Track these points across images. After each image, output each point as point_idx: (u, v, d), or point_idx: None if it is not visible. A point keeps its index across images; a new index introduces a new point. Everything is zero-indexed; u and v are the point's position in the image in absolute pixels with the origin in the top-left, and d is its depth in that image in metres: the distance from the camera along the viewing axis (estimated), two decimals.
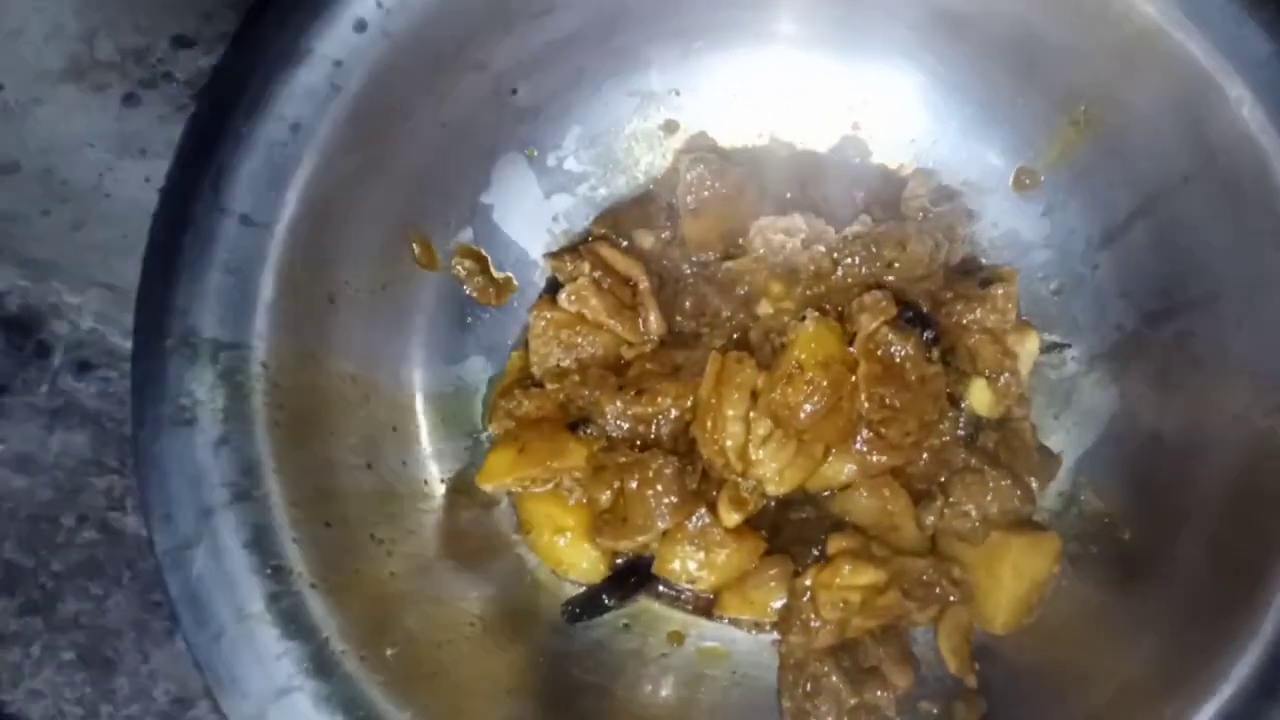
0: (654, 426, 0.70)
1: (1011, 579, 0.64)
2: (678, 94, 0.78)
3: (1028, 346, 0.68)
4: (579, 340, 0.72)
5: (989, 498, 0.65)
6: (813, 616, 0.63)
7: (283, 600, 0.56)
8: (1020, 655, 0.65)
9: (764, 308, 0.72)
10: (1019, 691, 0.64)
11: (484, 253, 0.76)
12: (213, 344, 0.59)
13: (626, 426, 0.69)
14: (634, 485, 0.66)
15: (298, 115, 0.63)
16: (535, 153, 0.77)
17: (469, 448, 0.73)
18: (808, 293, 0.69)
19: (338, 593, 0.58)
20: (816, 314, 0.66)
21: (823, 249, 0.69)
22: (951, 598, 0.65)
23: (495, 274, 0.77)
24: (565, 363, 0.72)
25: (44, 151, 0.88)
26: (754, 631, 0.70)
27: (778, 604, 0.66)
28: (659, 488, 0.66)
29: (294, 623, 0.55)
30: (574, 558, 0.70)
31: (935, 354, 0.65)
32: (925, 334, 0.65)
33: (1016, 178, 0.74)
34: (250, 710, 0.54)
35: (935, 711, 0.65)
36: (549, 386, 0.71)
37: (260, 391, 0.60)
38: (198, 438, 0.57)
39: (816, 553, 0.68)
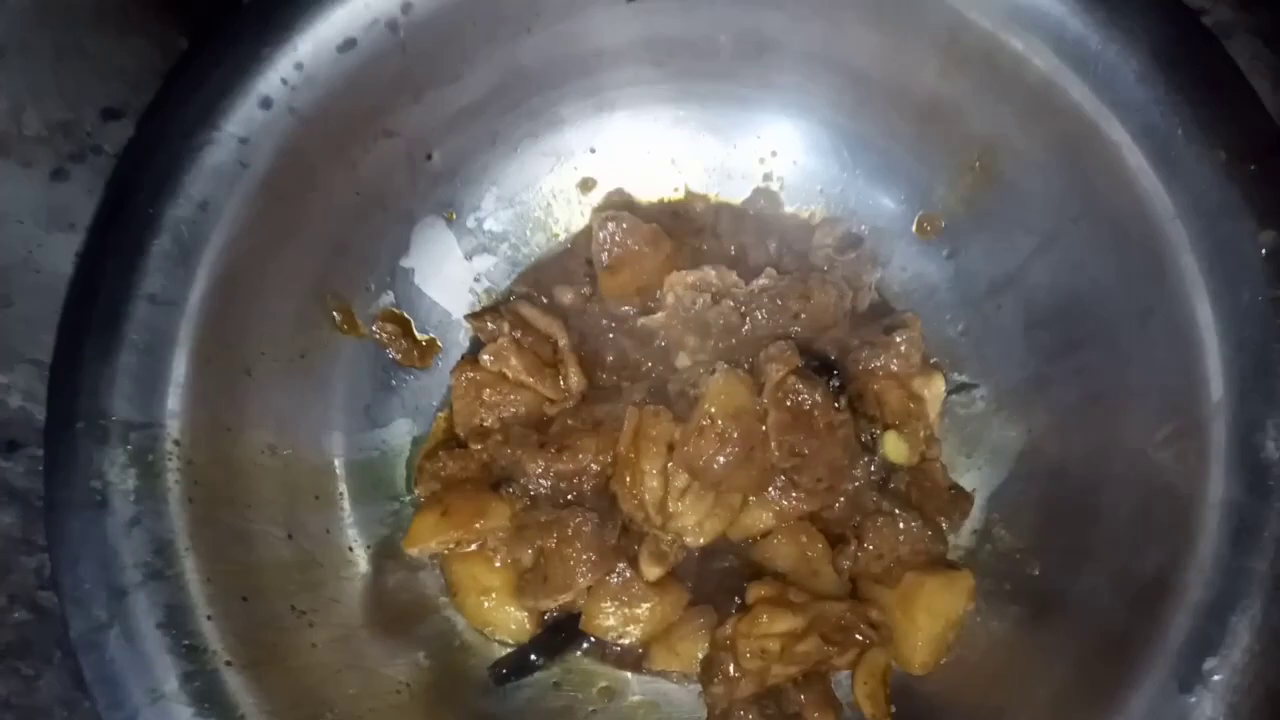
0: (577, 482, 0.70)
1: (926, 619, 0.65)
2: (593, 151, 0.80)
3: (934, 389, 0.70)
4: (500, 399, 0.73)
5: (901, 539, 0.66)
6: (733, 667, 0.64)
7: (196, 679, 0.56)
8: (939, 692, 0.66)
9: (682, 360, 0.73)
10: None
11: (406, 315, 0.77)
12: (123, 425, 0.60)
13: (549, 484, 0.70)
14: (554, 544, 0.67)
15: (205, 194, 0.64)
16: (454, 215, 0.78)
17: (394, 512, 0.74)
18: (720, 345, 0.71)
19: (256, 667, 0.58)
20: (726, 366, 0.67)
21: (731, 304, 0.70)
22: (869, 641, 0.65)
23: (418, 336, 0.78)
24: (488, 422, 0.73)
25: None
26: (683, 683, 0.70)
27: (701, 652, 0.67)
28: (578, 545, 0.67)
29: (208, 701, 0.56)
30: (501, 618, 0.70)
31: (843, 401, 0.67)
32: (832, 382, 0.67)
33: (919, 224, 0.76)
34: None
35: None
36: (473, 446, 0.72)
37: (173, 469, 0.60)
38: (109, 519, 0.58)
39: (739, 600, 0.68)
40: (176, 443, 0.61)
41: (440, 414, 0.77)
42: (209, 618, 0.58)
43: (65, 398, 0.60)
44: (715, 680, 0.65)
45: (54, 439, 0.59)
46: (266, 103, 0.65)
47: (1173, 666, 0.54)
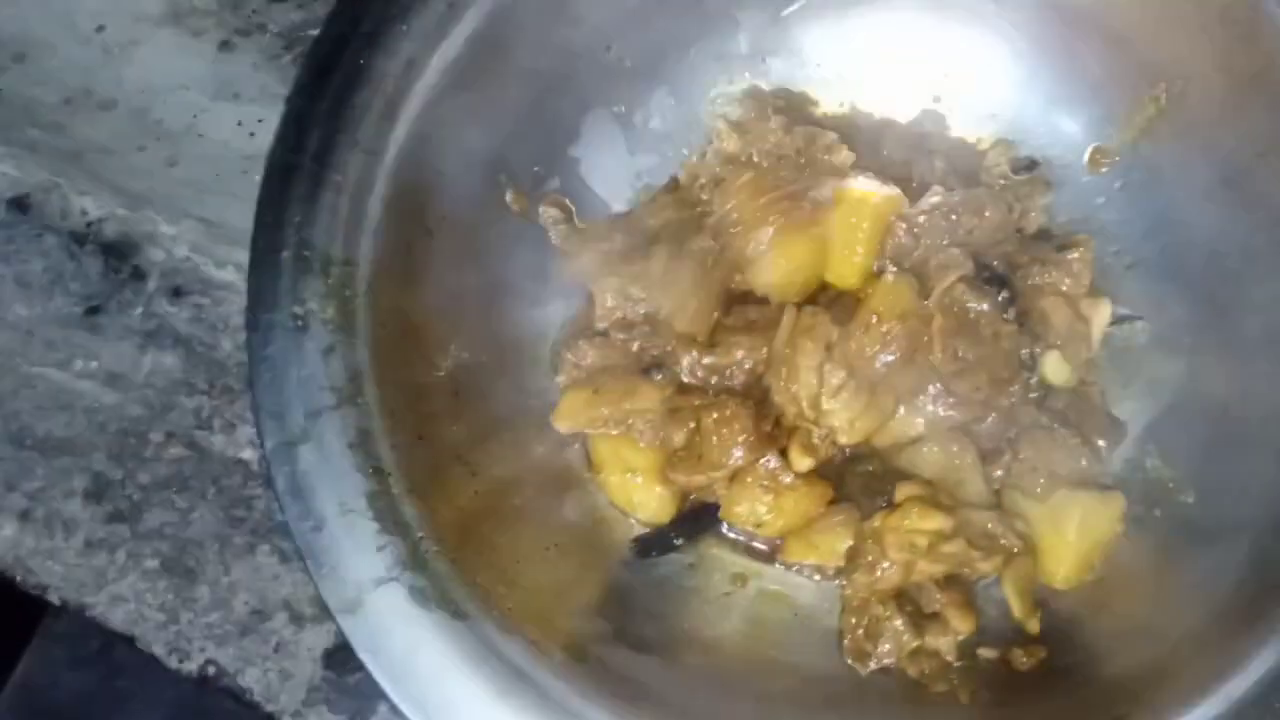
0: (727, 375, 0.72)
1: (1075, 535, 0.66)
2: (764, 60, 0.80)
3: (1100, 314, 0.70)
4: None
5: (1056, 455, 0.67)
6: (880, 556, 0.65)
7: (381, 499, 0.58)
8: (1080, 607, 0.67)
9: None
10: (1078, 641, 0.66)
11: (569, 203, 0.79)
12: (325, 258, 0.62)
13: (700, 375, 0.72)
14: (711, 422, 0.68)
15: (412, 51, 0.66)
16: (623, 109, 0.80)
17: (548, 387, 0.75)
18: (890, 256, 0.71)
19: (428, 499, 0.60)
20: (894, 269, 0.68)
21: (904, 224, 0.71)
22: (1014, 549, 0.66)
23: (579, 224, 0.79)
24: (633, 314, 0.74)
25: (141, 91, 0.91)
26: (817, 578, 0.71)
27: (843, 547, 0.68)
28: (735, 425, 0.68)
29: (392, 520, 0.58)
30: (643, 497, 0.72)
31: (1010, 313, 0.67)
32: (1001, 294, 0.67)
33: (1092, 156, 0.76)
34: (349, 596, 0.56)
35: (993, 657, 0.66)
36: (617, 336, 0.73)
37: (365, 307, 0.63)
38: (308, 343, 0.60)
39: (883, 503, 0.69)
40: (370, 284, 0.63)
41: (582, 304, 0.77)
42: (393, 447, 0.60)
43: (273, 228, 0.62)
44: (860, 568, 0.66)
45: (259, 265, 0.62)
46: None
47: None
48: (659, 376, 0.72)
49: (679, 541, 0.72)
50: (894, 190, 0.69)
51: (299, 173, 0.63)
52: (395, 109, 0.65)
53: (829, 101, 0.81)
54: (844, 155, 0.72)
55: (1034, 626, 0.66)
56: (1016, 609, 0.66)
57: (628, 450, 0.71)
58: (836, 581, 0.70)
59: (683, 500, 0.71)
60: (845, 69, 0.80)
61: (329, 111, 0.64)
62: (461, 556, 0.59)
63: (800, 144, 0.72)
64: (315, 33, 0.68)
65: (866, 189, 0.69)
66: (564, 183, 0.79)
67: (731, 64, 0.80)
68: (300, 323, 0.60)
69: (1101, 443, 0.69)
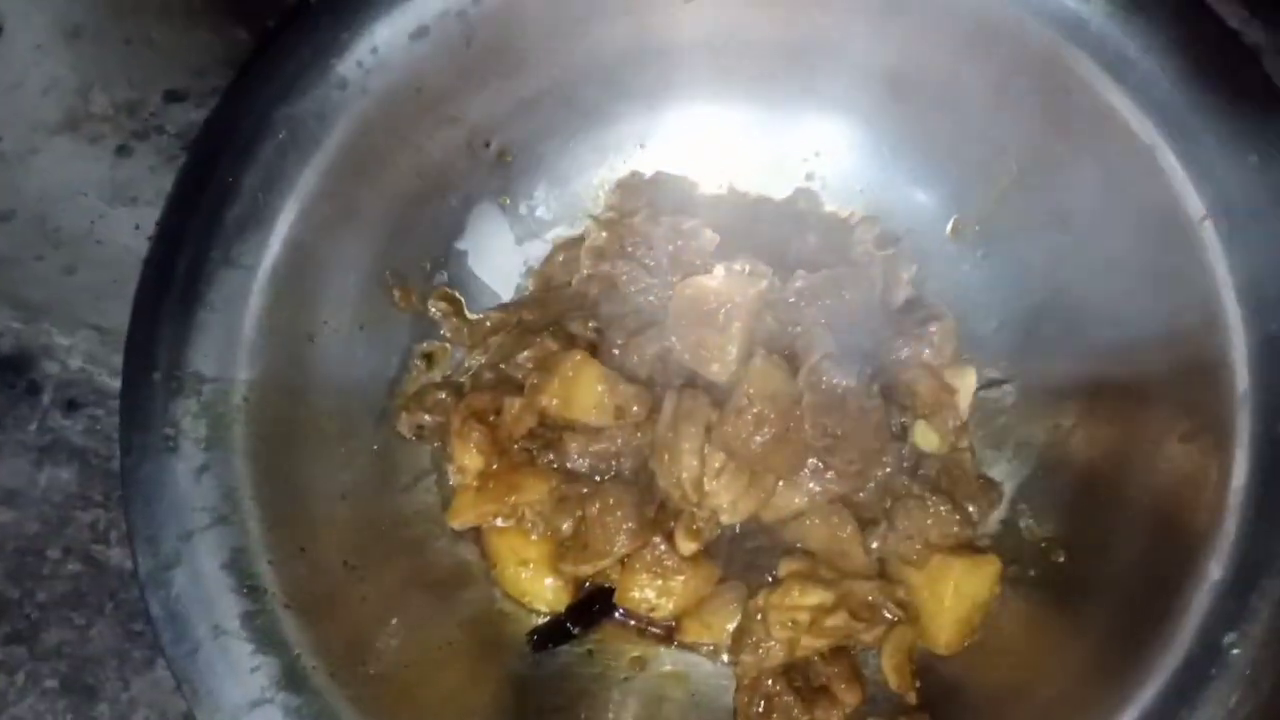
0: (615, 462, 0.73)
1: (953, 599, 0.68)
2: (641, 146, 0.83)
3: (966, 382, 0.72)
4: None
5: (930, 522, 0.68)
6: (764, 636, 0.66)
7: (257, 618, 0.59)
8: (962, 671, 0.68)
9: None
10: (961, 706, 0.67)
11: (459, 296, 0.80)
12: (197, 378, 0.63)
13: (587, 463, 0.73)
14: (595, 511, 0.69)
15: (282, 165, 0.67)
16: (508, 201, 0.82)
17: (442, 481, 0.76)
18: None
19: (310, 613, 0.61)
20: (764, 352, 0.70)
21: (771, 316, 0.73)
22: (896, 619, 0.68)
23: (469, 316, 0.81)
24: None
25: (39, 199, 0.91)
26: (713, 659, 0.72)
27: (731, 625, 0.69)
28: (619, 514, 0.69)
29: (267, 639, 0.58)
30: (537, 588, 0.73)
31: (875, 389, 0.69)
32: (864, 369, 0.69)
33: (954, 226, 0.79)
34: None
35: None
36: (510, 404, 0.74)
37: (241, 423, 0.63)
38: (180, 464, 0.61)
39: (770, 579, 0.71)
40: (245, 399, 0.64)
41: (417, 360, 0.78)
42: (270, 563, 0.61)
43: (144, 349, 0.63)
44: (746, 648, 0.67)
45: (131, 388, 0.62)
46: (343, 83, 0.68)
47: (1193, 642, 0.57)
48: (550, 462, 0.73)
49: (576, 630, 0.72)
50: (746, 283, 0.71)
51: (170, 292, 0.64)
52: (268, 222, 0.67)
53: (708, 183, 0.84)
54: (707, 238, 0.74)
55: (912, 698, 0.67)
56: (893, 682, 0.67)
57: (519, 542, 0.72)
58: (731, 660, 0.71)
59: (577, 588, 0.72)
60: (721, 152, 0.83)
61: (200, 229, 0.65)
62: (345, 670, 0.60)
63: (667, 233, 0.74)
64: None
65: (709, 284, 0.71)
66: (452, 276, 0.80)
67: (609, 153, 0.83)
68: (171, 444, 0.61)
69: (973, 508, 0.71)
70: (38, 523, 0.80)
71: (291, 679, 0.58)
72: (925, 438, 0.70)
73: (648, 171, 0.83)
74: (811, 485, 0.69)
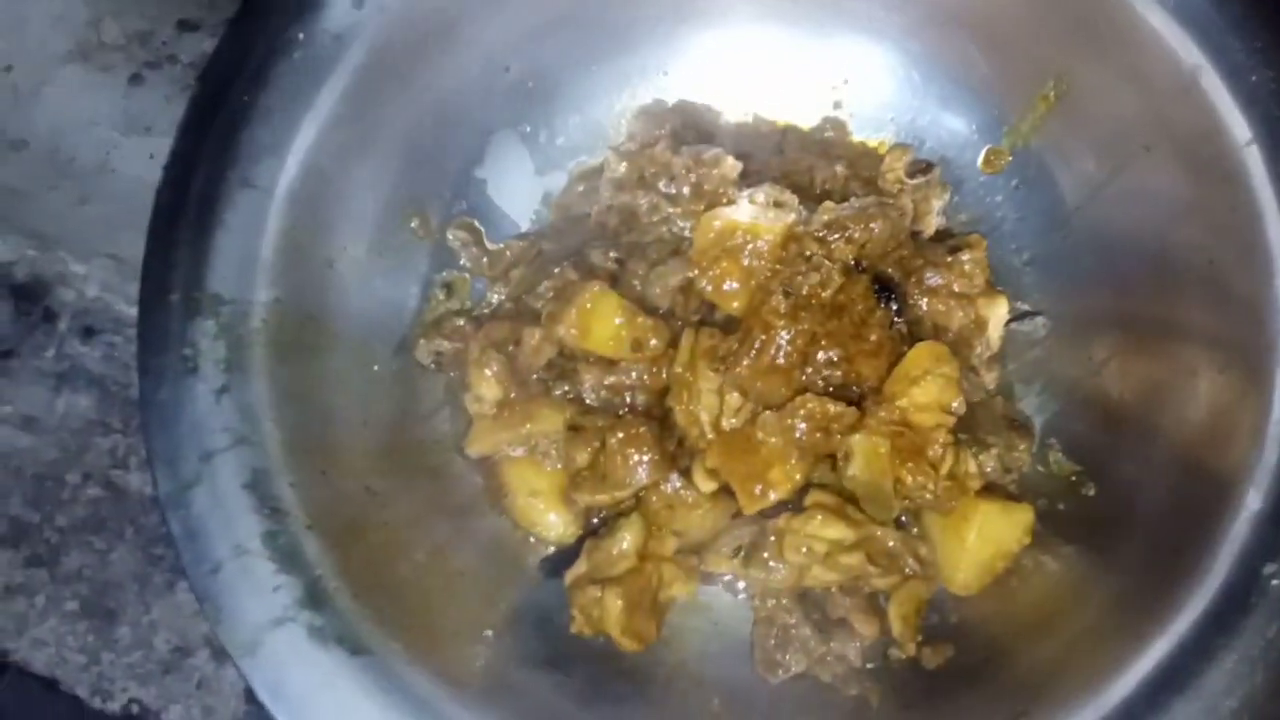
0: (628, 395, 0.72)
1: (976, 542, 0.66)
2: (665, 73, 0.81)
3: (997, 312, 0.71)
4: None
5: (963, 466, 0.67)
6: (776, 556, 0.66)
7: (279, 538, 0.58)
8: (987, 604, 0.67)
9: None
10: (984, 639, 0.67)
11: (478, 225, 0.79)
12: (215, 299, 0.62)
13: (602, 395, 0.72)
14: (615, 442, 0.68)
15: (298, 85, 0.66)
16: (528, 129, 0.80)
17: (455, 412, 0.75)
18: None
19: (332, 535, 0.60)
20: (782, 288, 0.69)
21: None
22: (912, 573, 0.67)
23: (488, 245, 0.79)
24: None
25: (51, 130, 0.91)
26: (733, 586, 0.72)
27: (744, 543, 0.68)
28: (640, 445, 0.68)
29: (289, 559, 0.58)
30: (547, 519, 0.72)
31: (900, 323, 0.68)
32: (891, 304, 0.68)
33: (986, 158, 0.77)
34: (245, 638, 0.56)
35: (903, 657, 0.67)
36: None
37: (260, 345, 0.63)
38: (199, 386, 0.60)
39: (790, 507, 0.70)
40: (264, 321, 0.63)
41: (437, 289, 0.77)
42: (291, 485, 0.60)
43: (161, 271, 0.62)
44: (755, 563, 0.66)
45: (148, 309, 0.62)
46: (359, 2, 0.67)
47: (1231, 572, 0.56)
48: (565, 393, 0.73)
49: None
50: (773, 216, 0.69)
51: (185, 214, 0.63)
52: (284, 145, 0.65)
53: (732, 111, 0.82)
54: (729, 166, 0.72)
55: (910, 650, 0.66)
56: (897, 629, 0.66)
57: (531, 473, 0.71)
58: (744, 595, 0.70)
59: (586, 520, 0.72)
60: (746, 79, 0.81)
61: (215, 151, 0.64)
62: (365, 591, 0.60)
63: (689, 162, 0.73)
64: None
65: (735, 216, 0.69)
66: (471, 204, 0.79)
67: (632, 79, 0.81)
68: (190, 365, 0.60)
69: (1005, 451, 0.69)
70: (56, 449, 0.80)
71: (313, 598, 0.58)
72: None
73: (670, 99, 0.81)
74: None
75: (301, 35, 0.66)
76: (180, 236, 0.63)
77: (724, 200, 0.74)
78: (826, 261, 0.68)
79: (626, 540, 0.66)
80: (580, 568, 0.67)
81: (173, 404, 0.60)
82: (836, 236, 0.69)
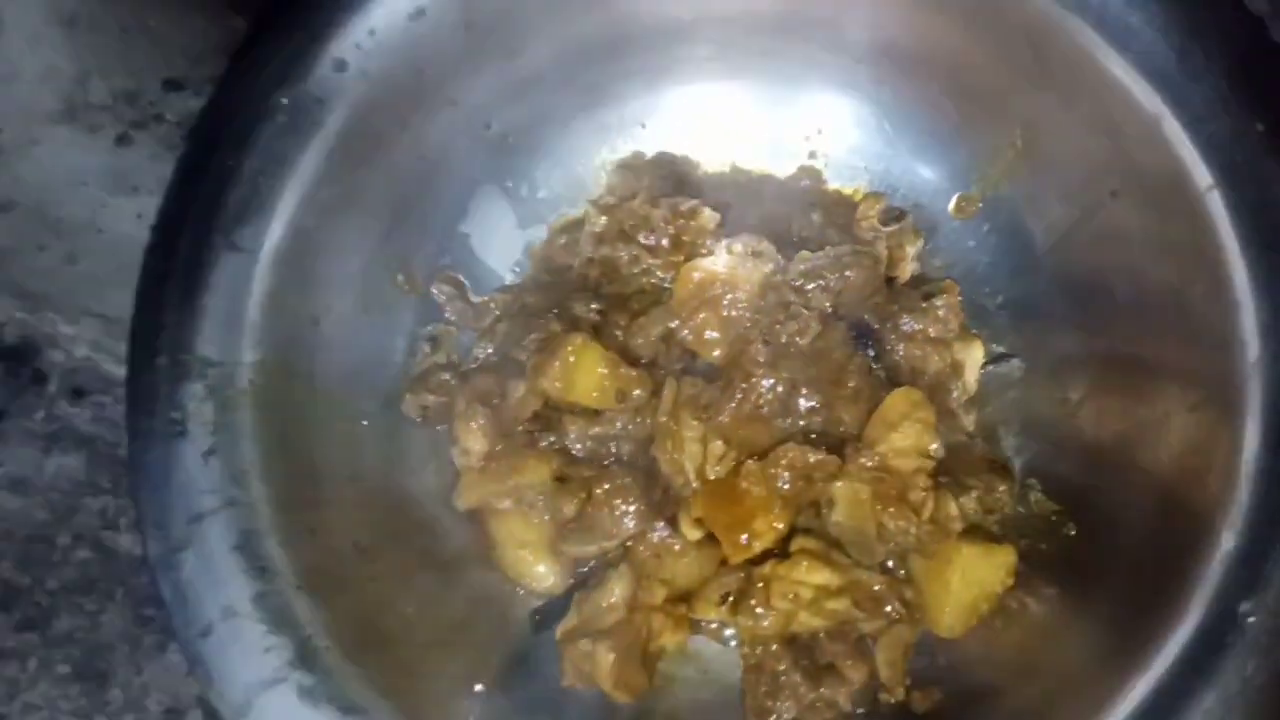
0: (612, 446, 0.73)
1: (960, 585, 0.67)
2: (643, 126, 0.83)
3: (973, 355, 0.72)
4: None
5: (943, 510, 0.68)
6: (763, 602, 0.66)
7: (269, 599, 0.59)
8: (973, 646, 0.68)
9: None
10: (973, 680, 0.67)
11: (462, 279, 0.80)
12: (202, 362, 0.63)
13: (588, 446, 0.73)
14: (602, 493, 0.69)
15: (282, 148, 0.67)
16: (510, 183, 0.81)
17: (441, 465, 0.76)
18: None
19: (321, 594, 0.61)
20: (761, 334, 0.70)
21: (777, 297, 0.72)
22: (898, 617, 0.68)
23: (473, 299, 0.81)
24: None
25: (40, 189, 0.91)
26: (721, 634, 0.72)
27: (732, 590, 0.69)
28: (627, 495, 0.69)
29: (280, 620, 0.58)
30: (536, 571, 0.73)
31: (878, 368, 0.69)
32: (868, 350, 0.69)
33: (957, 204, 0.79)
34: (238, 700, 0.56)
35: (893, 701, 0.67)
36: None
37: (247, 406, 0.63)
38: (188, 448, 0.61)
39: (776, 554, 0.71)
40: (251, 381, 0.64)
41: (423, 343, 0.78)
42: (280, 545, 0.61)
43: (148, 335, 0.63)
44: (743, 611, 0.67)
45: (136, 373, 0.62)
46: (341, 66, 0.68)
47: (1208, 611, 0.57)
48: (551, 444, 0.73)
49: None
50: (751, 265, 0.71)
51: (173, 277, 0.64)
52: (269, 207, 0.66)
53: (710, 162, 0.84)
54: (706, 217, 0.74)
55: (899, 694, 0.67)
56: (884, 675, 0.67)
57: (519, 525, 0.72)
58: (735, 642, 0.71)
59: (574, 571, 0.72)
60: (723, 131, 0.83)
61: (201, 213, 0.65)
62: (355, 649, 0.60)
63: (667, 214, 0.74)
64: None
65: (714, 267, 0.71)
66: (455, 258, 0.80)
67: (611, 133, 0.83)
68: (179, 427, 0.61)
69: (979, 493, 0.70)
70: (46, 510, 0.81)
71: (305, 659, 0.58)
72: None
73: (649, 151, 0.83)
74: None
75: (285, 100, 0.67)
76: (168, 299, 0.63)
77: (703, 251, 0.76)
78: (804, 310, 0.70)
79: (616, 592, 0.67)
80: (570, 621, 0.68)
81: (161, 466, 0.60)
82: (813, 285, 0.70)
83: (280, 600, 0.59)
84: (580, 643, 0.65)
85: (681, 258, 0.76)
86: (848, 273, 0.69)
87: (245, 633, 0.58)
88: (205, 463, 0.61)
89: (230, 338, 0.64)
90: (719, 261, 0.72)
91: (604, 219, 0.77)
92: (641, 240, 0.76)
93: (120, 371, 0.84)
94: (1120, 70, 0.65)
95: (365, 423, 0.72)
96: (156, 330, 0.63)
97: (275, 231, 0.66)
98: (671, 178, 0.80)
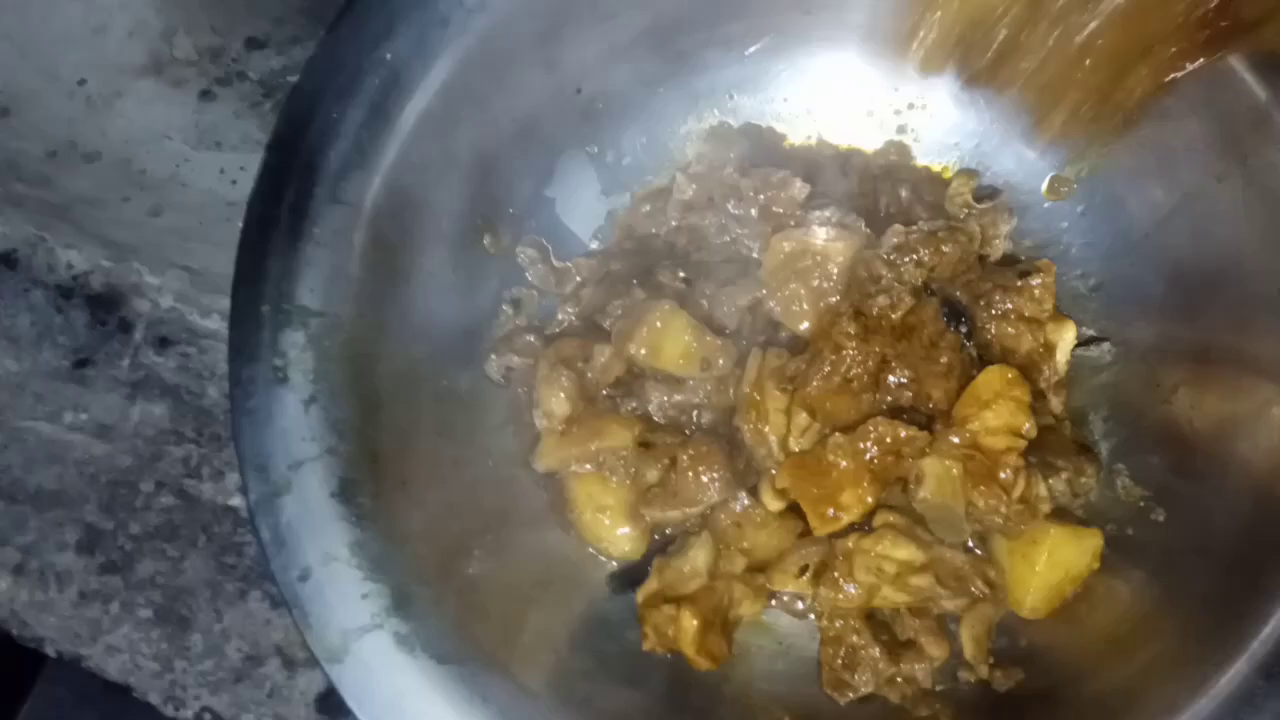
0: (693, 414, 0.73)
1: (1046, 567, 0.66)
2: (731, 96, 0.82)
3: (1066, 337, 0.71)
4: None
5: (1029, 488, 0.67)
6: (846, 575, 0.66)
7: (366, 546, 0.59)
8: (1056, 628, 0.68)
9: None
10: (1055, 663, 0.67)
11: (545, 243, 0.80)
12: (304, 311, 0.63)
13: (670, 413, 0.73)
14: (687, 459, 0.69)
15: (384, 103, 0.67)
16: (596, 149, 0.81)
17: (519, 427, 0.76)
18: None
19: (413, 543, 0.61)
20: (849, 310, 0.69)
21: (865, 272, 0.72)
22: (981, 595, 0.67)
23: (555, 264, 0.81)
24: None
25: (124, 142, 0.93)
26: (795, 606, 0.73)
27: (813, 562, 0.69)
28: (711, 463, 0.69)
29: (376, 567, 0.59)
30: (614, 534, 0.73)
31: (969, 346, 0.69)
32: (960, 328, 0.69)
33: (1051, 185, 0.78)
34: (334, 644, 0.57)
35: (973, 680, 0.67)
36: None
37: (344, 357, 0.64)
38: (289, 395, 0.62)
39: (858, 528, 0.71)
40: (349, 334, 0.64)
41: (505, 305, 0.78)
42: (375, 494, 0.61)
43: (253, 283, 0.63)
44: (825, 582, 0.67)
45: (240, 319, 0.63)
46: (444, 22, 0.68)
47: None
48: (633, 409, 0.74)
49: None
50: (843, 239, 0.70)
51: (276, 227, 0.64)
52: (370, 161, 0.67)
53: (796, 135, 0.83)
54: (797, 189, 0.74)
55: (983, 671, 0.67)
56: (969, 651, 0.67)
57: (599, 489, 0.72)
58: (812, 615, 0.71)
59: (651, 537, 0.73)
60: (811, 103, 0.82)
61: (305, 165, 0.66)
62: (445, 600, 0.61)
63: (756, 184, 0.74)
64: (295, 79, 0.69)
65: (806, 239, 0.70)
66: (540, 223, 0.80)
67: (699, 102, 0.82)
68: (281, 375, 0.62)
69: (1074, 472, 0.70)
70: (130, 456, 0.82)
71: (400, 606, 0.58)
72: None
73: (736, 122, 0.83)
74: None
75: (389, 53, 0.67)
76: (271, 248, 0.64)
77: (791, 222, 0.75)
78: (896, 284, 0.69)
79: (699, 559, 0.67)
80: (652, 585, 0.68)
81: (263, 413, 0.61)
82: (906, 259, 0.70)
83: (377, 548, 0.60)
84: (663, 608, 0.66)
85: (769, 228, 0.75)
86: (943, 248, 0.68)
87: (343, 578, 0.58)
88: (306, 410, 0.61)
89: (331, 289, 0.64)
90: (810, 233, 0.71)
91: (693, 187, 0.76)
92: (730, 209, 0.75)
93: (205, 324, 0.85)
94: (1233, 59, 0.64)
95: (446, 382, 0.73)
96: (260, 278, 0.63)
97: (375, 186, 0.67)
98: (760, 148, 0.79)
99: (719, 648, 0.66)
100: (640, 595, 0.68)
